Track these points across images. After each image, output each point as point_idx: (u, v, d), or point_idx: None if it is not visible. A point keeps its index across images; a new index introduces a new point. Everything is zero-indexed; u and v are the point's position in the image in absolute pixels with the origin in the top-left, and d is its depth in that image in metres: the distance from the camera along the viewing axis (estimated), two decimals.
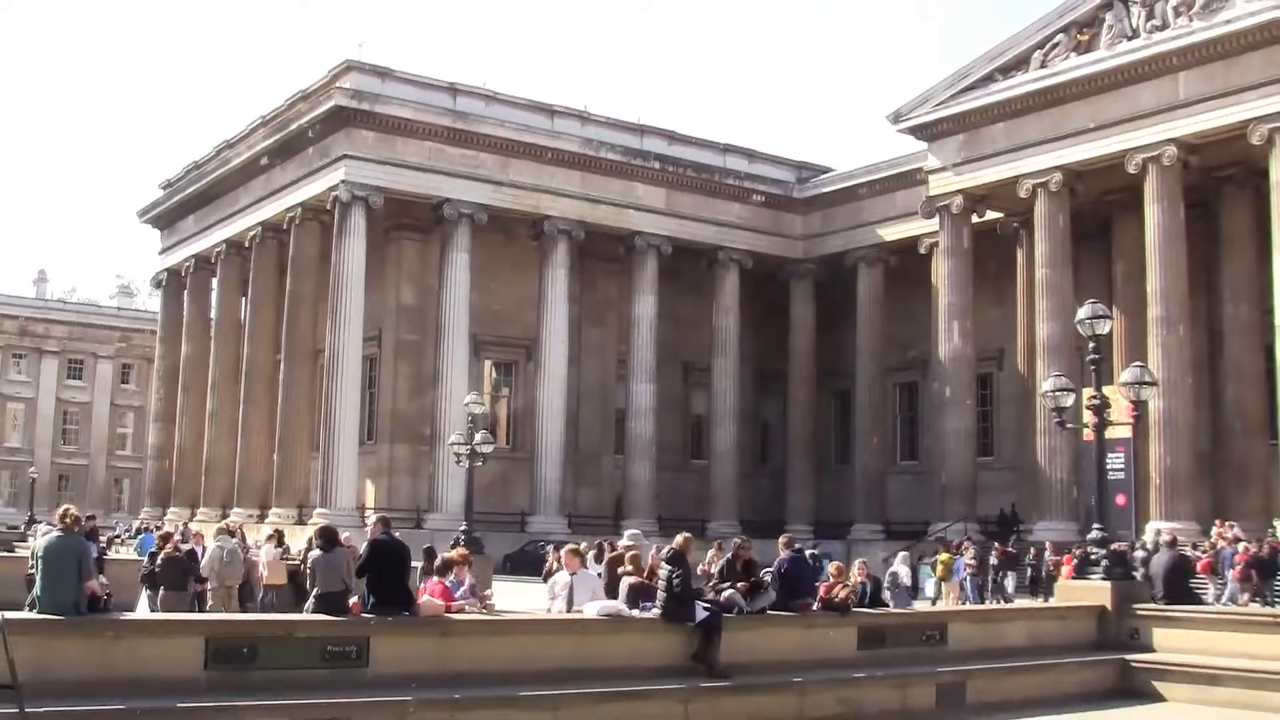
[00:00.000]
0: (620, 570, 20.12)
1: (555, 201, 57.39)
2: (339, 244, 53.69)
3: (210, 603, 24.49)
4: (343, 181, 53.29)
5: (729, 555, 19.55)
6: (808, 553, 29.01)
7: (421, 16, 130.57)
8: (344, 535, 18.48)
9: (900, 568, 34.90)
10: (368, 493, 55.86)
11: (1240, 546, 36.50)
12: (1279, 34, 42.61)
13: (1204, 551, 37.77)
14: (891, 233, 59.86)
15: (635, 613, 17.94)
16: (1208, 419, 48.11)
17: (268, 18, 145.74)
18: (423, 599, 16.56)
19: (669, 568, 17.68)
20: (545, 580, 23.41)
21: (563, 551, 19.24)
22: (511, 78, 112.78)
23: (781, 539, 21.06)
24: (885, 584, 35.06)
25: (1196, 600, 27.53)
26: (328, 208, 54.75)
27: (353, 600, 15.83)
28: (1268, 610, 29.06)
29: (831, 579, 20.75)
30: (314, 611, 15.99)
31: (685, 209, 61.28)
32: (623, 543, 23.21)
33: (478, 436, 39.99)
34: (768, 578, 19.40)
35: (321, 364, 55.39)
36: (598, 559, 34.72)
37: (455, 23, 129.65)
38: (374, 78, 54.86)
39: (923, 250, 57.06)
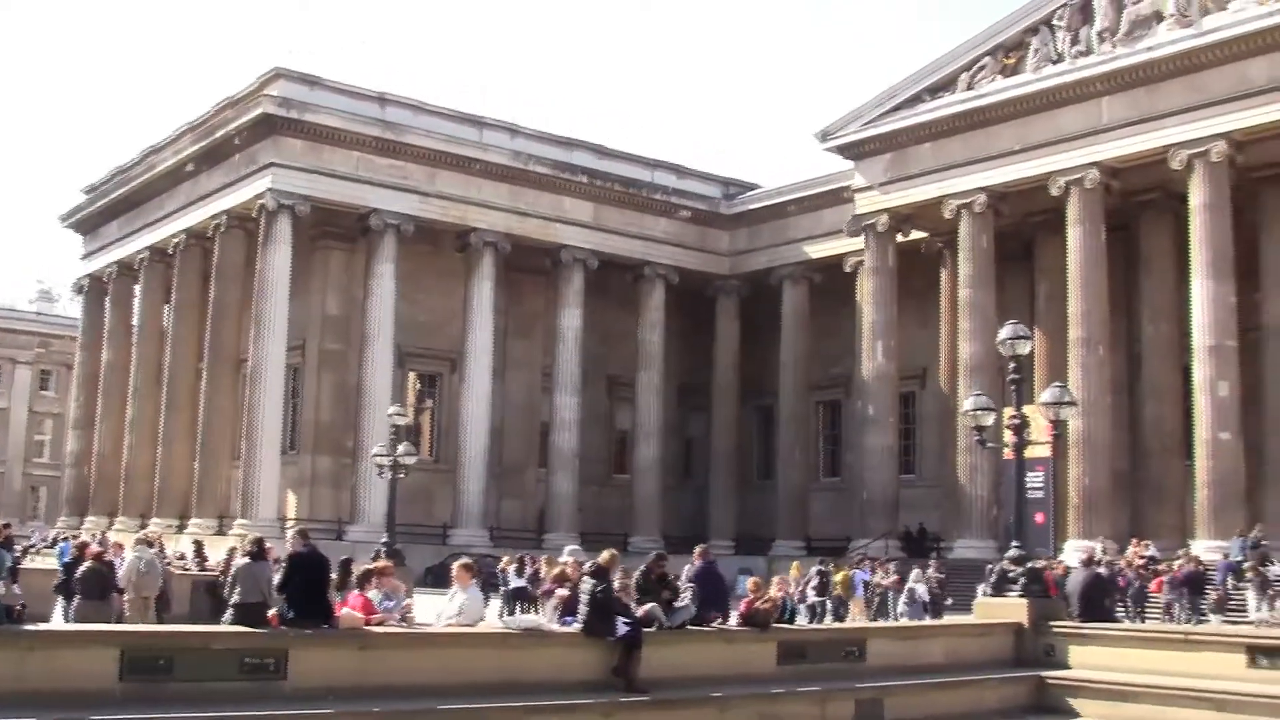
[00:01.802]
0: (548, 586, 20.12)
1: (482, 214, 57.27)
2: (264, 252, 53.34)
3: (127, 614, 24.22)
4: (269, 189, 52.95)
5: (643, 569, 19.57)
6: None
7: (351, 26, 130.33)
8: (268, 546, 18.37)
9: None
10: (289, 503, 55.43)
11: (1176, 565, 37.07)
12: (1199, 62, 43.43)
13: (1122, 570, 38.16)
14: (817, 250, 60.15)
15: (556, 627, 17.95)
16: (1126, 439, 48.71)
17: (196, 24, 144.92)
18: (343, 611, 16.49)
19: (591, 582, 17.71)
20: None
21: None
22: (441, 89, 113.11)
23: (697, 549, 21.12)
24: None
25: (1112, 618, 27.81)
26: (254, 216, 54.37)
27: (271, 612, 15.73)
28: (1178, 627, 29.43)
29: (750, 594, 20.83)
30: (232, 622, 15.89)
31: (613, 223, 61.36)
32: (563, 559, 23.15)
33: (400, 448, 39.89)
34: (686, 590, 19.48)
35: (244, 373, 54.97)
36: (519, 573, 34.88)
37: (385, 33, 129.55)
38: (303, 86, 54.60)
39: (848, 268, 57.39)
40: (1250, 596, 35.47)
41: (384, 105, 56.23)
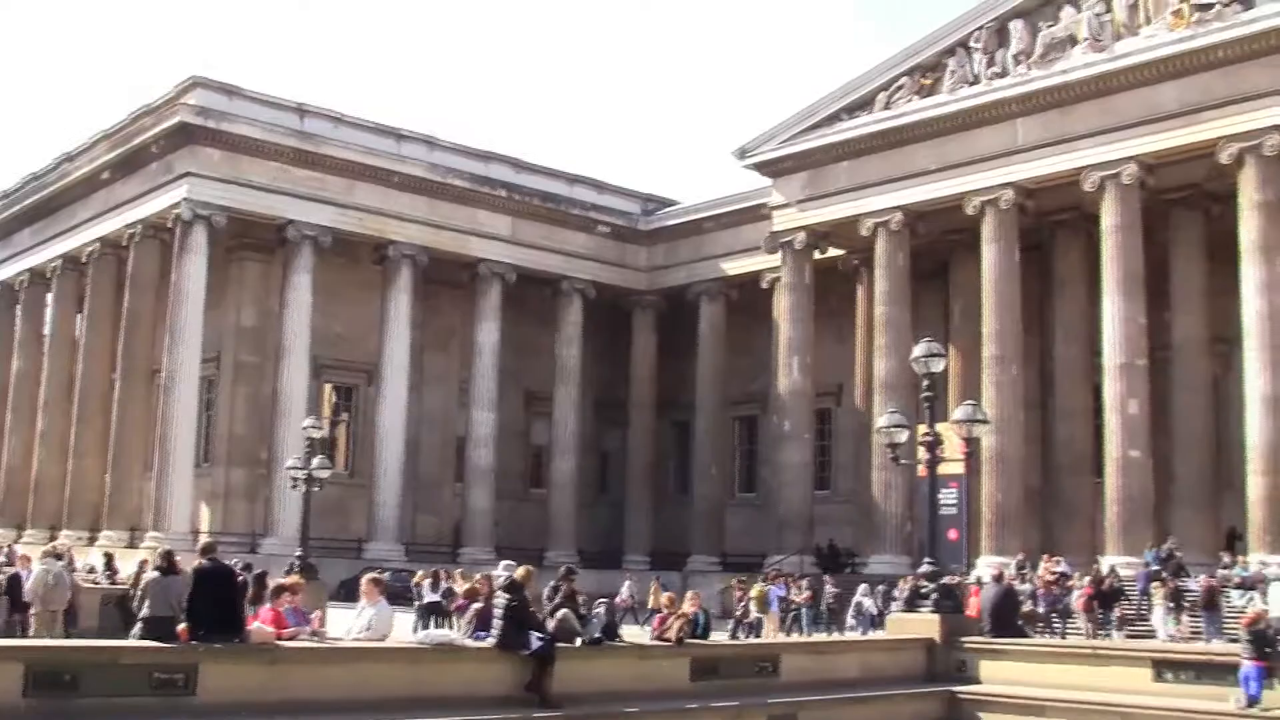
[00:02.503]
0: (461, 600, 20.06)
1: (400, 226, 57.02)
2: (179, 262, 52.80)
3: (34, 627, 23.88)
4: (185, 199, 52.44)
5: (553, 584, 19.55)
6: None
7: (271, 36, 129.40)
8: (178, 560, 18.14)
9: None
10: (202, 516, 54.83)
11: (1087, 581, 37.51)
12: (1111, 86, 44.08)
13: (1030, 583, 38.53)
14: (735, 267, 60.38)
15: (469, 641, 17.90)
16: (1038, 456, 49.25)
17: (113, 31, 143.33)
18: (253, 625, 16.33)
19: (506, 597, 17.67)
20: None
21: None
22: (360, 100, 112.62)
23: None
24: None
25: (1022, 633, 28.09)
26: (169, 225, 53.82)
27: (181, 627, 15.53)
28: (1087, 642, 29.78)
29: (664, 610, 20.88)
30: (140, 636, 15.69)
31: (531, 238, 61.27)
32: (496, 573, 23.05)
33: (315, 461, 39.63)
34: (600, 605, 19.52)
35: (158, 384, 54.30)
36: (433, 587, 34.74)
37: (305, 44, 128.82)
38: (221, 95, 54.13)
39: (765, 285, 57.62)
40: (1157, 611, 35.90)
41: (303, 116, 55.89)
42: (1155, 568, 38.43)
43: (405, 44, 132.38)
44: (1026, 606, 35.99)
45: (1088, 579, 37.99)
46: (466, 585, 22.97)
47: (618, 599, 40.15)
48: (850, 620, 36.20)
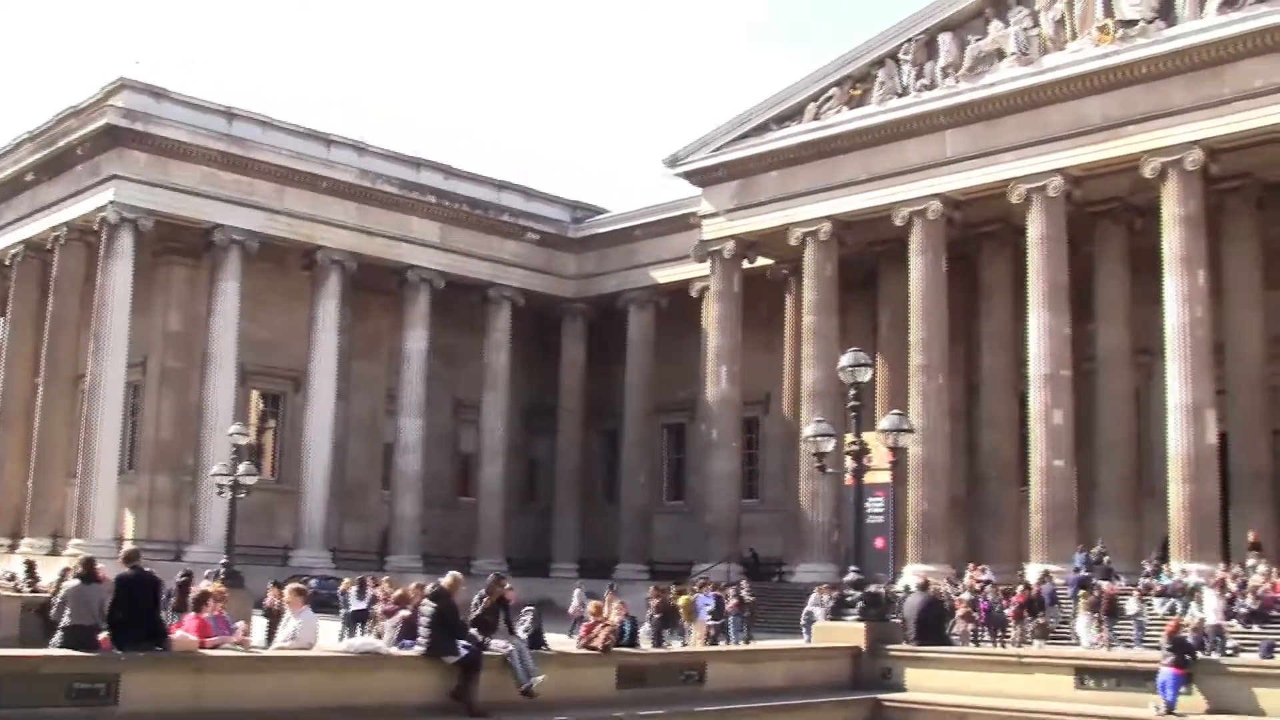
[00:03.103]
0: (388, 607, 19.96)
1: (329, 232, 56.76)
2: (105, 266, 52.28)
3: None
4: (111, 202, 51.93)
5: (482, 591, 19.49)
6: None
7: (200, 39, 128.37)
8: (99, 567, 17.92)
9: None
10: (127, 523, 54.27)
11: (1019, 590, 37.84)
12: (1038, 99, 44.61)
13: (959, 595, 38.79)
14: (664, 275, 60.51)
15: (394, 650, 17.82)
16: (964, 465, 49.65)
17: (39, 32, 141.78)
18: (176, 634, 16.19)
19: (432, 604, 17.61)
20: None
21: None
22: (289, 104, 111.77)
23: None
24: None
25: (948, 641, 28.28)
26: (95, 229, 53.28)
27: (102, 635, 15.35)
28: (1011, 650, 30.03)
29: (591, 618, 20.88)
30: (60, 645, 15.48)
31: (460, 244, 61.14)
32: (445, 580, 22.83)
33: (241, 467, 39.36)
34: (527, 613, 19.47)
35: (82, 389, 53.67)
36: (360, 595, 34.62)
37: (235, 47, 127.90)
38: (149, 98, 53.64)
39: (694, 293, 57.78)
40: (1080, 618, 36.27)
41: (231, 120, 55.47)
42: (1085, 572, 38.96)
43: (336, 50, 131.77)
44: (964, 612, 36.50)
45: (1020, 586, 38.37)
46: (398, 592, 22.84)
47: (570, 609, 40.12)
48: (803, 628, 36.34)
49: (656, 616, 35.80)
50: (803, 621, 36.29)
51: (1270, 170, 42.53)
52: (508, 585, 19.68)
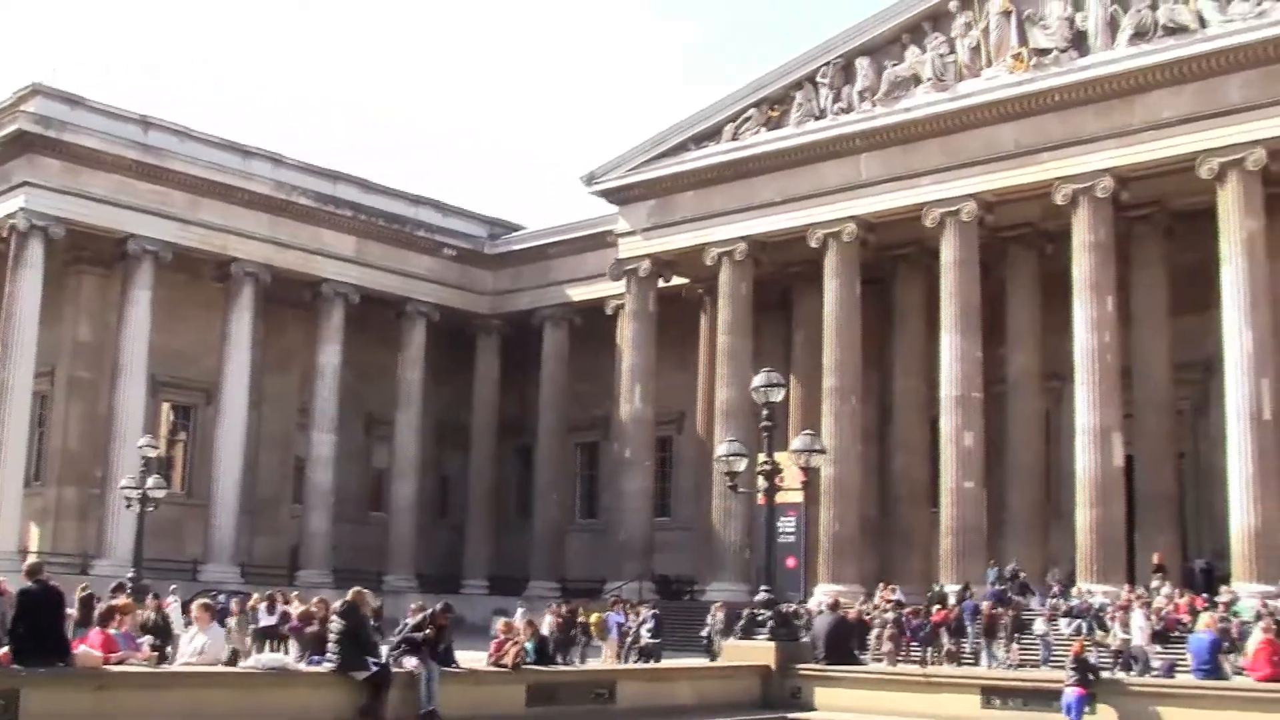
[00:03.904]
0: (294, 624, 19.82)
1: (244, 244, 56.23)
2: (14, 274, 51.45)
3: None
4: (21, 209, 51.11)
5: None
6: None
7: (116, 48, 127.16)
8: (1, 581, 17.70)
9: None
10: (32, 536, 53.42)
11: (936, 608, 38.11)
12: (953, 125, 45.18)
13: (868, 612, 38.99)
14: (580, 293, 60.48)
15: (303, 666, 17.71)
16: (876, 486, 50.02)
17: None
18: (79, 649, 15.96)
19: (341, 621, 17.53)
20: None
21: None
22: (206, 114, 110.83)
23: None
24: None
25: (857, 661, 28.45)
26: (4, 236, 52.44)
27: (2, 650, 15.10)
28: (920, 670, 30.24)
29: (501, 636, 20.86)
30: None
31: (375, 259, 60.83)
32: (350, 595, 22.68)
33: (150, 480, 39.00)
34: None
35: None
36: (269, 610, 34.31)
37: (152, 56, 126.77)
38: (63, 104, 52.88)
39: (609, 312, 57.79)
40: (984, 640, 36.59)
41: (147, 129, 54.83)
42: (1001, 588, 39.43)
43: (257, 61, 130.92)
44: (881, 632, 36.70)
45: (937, 605, 38.66)
46: (300, 608, 22.68)
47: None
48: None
49: (556, 635, 35.74)
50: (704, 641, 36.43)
51: (1179, 199, 43.25)
52: (448, 616, 19.65)
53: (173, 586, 39.09)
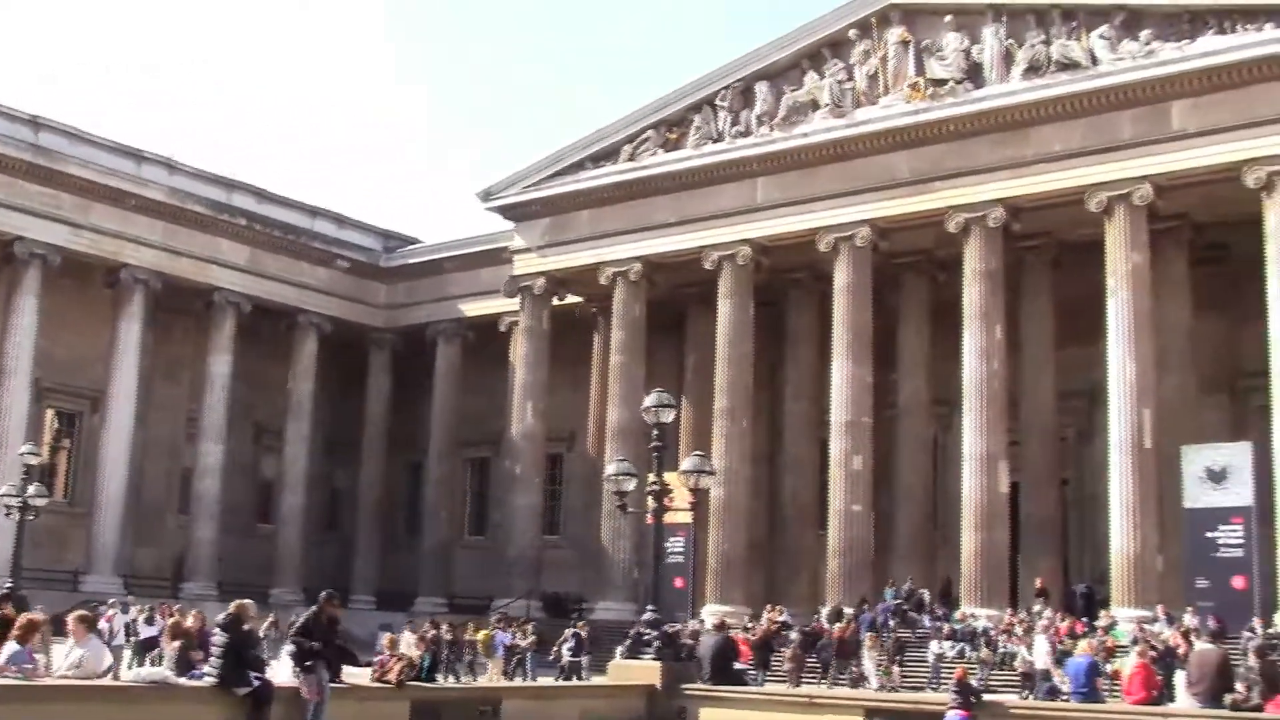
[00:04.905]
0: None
1: (135, 250, 55.46)
2: None
3: None
4: None
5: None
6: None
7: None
8: None
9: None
10: None
11: (835, 627, 38.27)
12: (849, 151, 45.73)
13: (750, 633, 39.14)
14: (474, 309, 60.32)
15: (184, 680, 17.49)
16: (765, 508, 50.33)
17: None
18: None
19: (223, 635, 17.34)
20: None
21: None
22: (100, 118, 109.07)
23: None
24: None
25: (742, 681, 28.57)
26: None
27: None
28: (803, 690, 30.40)
29: (386, 652, 20.75)
30: None
31: (269, 269, 60.30)
32: (232, 608, 22.33)
33: (31, 488, 38.39)
34: None
35: None
36: (149, 622, 33.89)
37: (45, 56, 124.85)
38: None
39: (503, 328, 57.65)
40: (867, 660, 36.78)
41: (38, 130, 53.91)
42: (899, 602, 39.85)
43: (154, 64, 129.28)
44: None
45: (837, 625, 38.86)
46: (172, 621, 22.40)
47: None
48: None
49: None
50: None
51: (1068, 230, 43.92)
52: (337, 602, 19.44)
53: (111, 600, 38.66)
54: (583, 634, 37.67)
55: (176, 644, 18.53)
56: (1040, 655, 33.59)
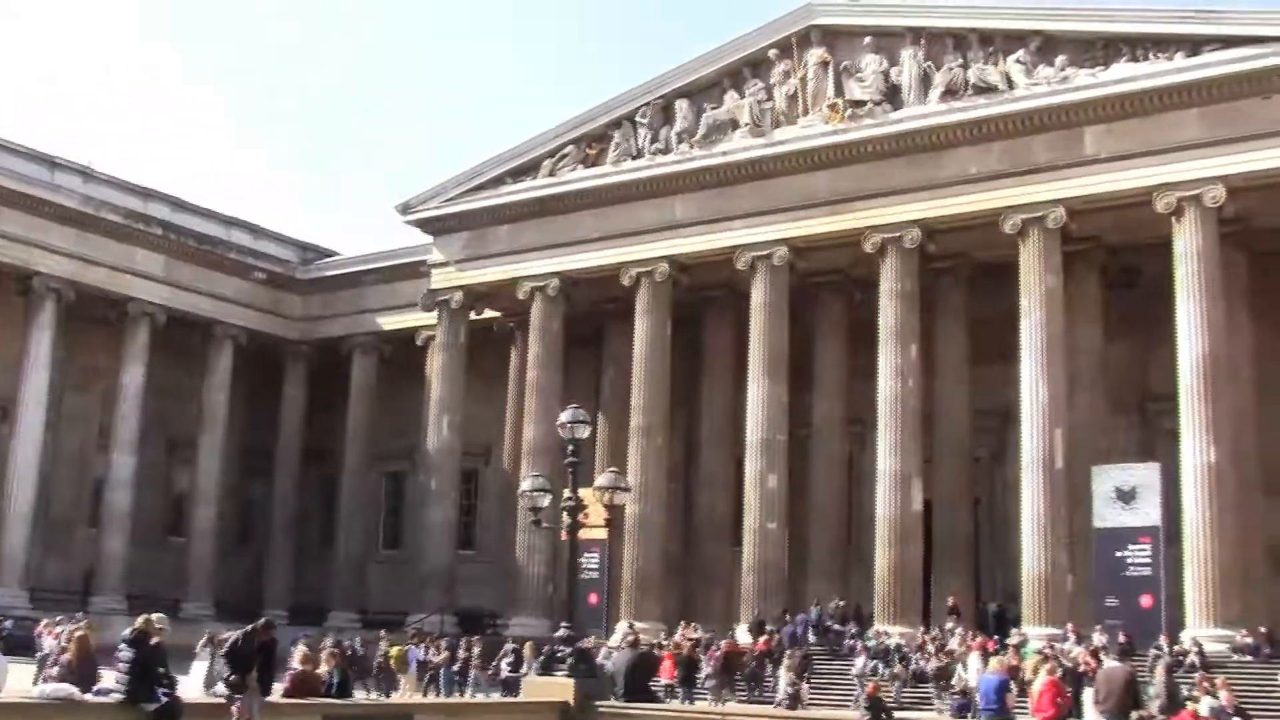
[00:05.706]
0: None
1: (48, 258, 54.80)
2: None
3: None
4: None
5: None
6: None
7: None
8: None
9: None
10: None
11: (724, 644, 38.39)
12: (767, 170, 46.02)
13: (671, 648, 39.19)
14: (391, 322, 60.12)
15: (90, 697, 17.27)
16: (681, 524, 50.39)
17: None
18: None
19: (130, 649, 17.13)
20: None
21: None
22: (11, 122, 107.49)
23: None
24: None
25: (655, 698, 28.61)
26: None
27: None
28: (716, 708, 30.44)
29: (298, 667, 20.62)
30: None
31: (185, 279, 59.74)
32: (139, 623, 22.11)
33: None
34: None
35: None
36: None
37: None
38: None
39: (420, 342, 57.47)
40: (781, 674, 36.89)
41: None
42: (822, 620, 40.20)
43: (63, 69, 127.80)
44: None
45: (761, 638, 38.94)
46: (65, 634, 22.18)
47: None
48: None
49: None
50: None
51: (982, 251, 44.31)
52: (274, 631, 19.36)
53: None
54: (524, 650, 37.63)
55: (63, 658, 18.34)
56: (973, 673, 33.88)
